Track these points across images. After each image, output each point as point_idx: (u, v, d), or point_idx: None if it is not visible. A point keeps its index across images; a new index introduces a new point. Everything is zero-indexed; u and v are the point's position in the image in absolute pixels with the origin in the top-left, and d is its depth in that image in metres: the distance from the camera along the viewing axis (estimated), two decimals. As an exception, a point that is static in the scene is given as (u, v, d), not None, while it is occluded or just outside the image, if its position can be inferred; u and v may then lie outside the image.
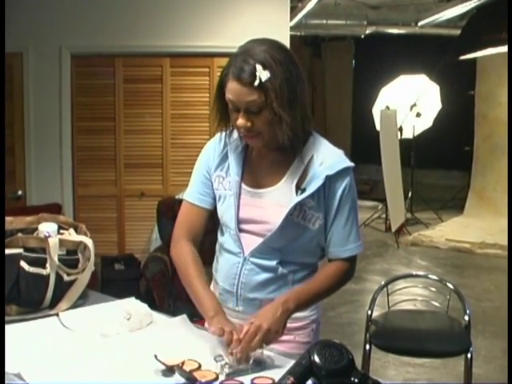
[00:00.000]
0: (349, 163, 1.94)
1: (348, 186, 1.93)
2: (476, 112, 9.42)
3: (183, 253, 2.06)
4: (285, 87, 1.79)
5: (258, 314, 1.83)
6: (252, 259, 1.97)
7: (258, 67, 1.76)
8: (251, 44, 1.85)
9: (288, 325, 1.88)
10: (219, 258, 2.10)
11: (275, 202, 1.93)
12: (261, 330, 1.76)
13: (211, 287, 2.13)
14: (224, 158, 2.03)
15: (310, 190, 1.89)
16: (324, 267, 2.02)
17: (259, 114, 1.81)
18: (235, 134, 2.01)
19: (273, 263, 1.96)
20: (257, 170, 2.00)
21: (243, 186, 1.99)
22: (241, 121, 1.84)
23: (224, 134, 2.03)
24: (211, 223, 2.11)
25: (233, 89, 1.81)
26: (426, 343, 3.20)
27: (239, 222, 1.98)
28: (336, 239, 1.98)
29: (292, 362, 1.57)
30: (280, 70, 1.78)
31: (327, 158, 1.92)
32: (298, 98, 1.83)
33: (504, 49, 6.71)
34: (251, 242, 1.96)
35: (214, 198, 2.06)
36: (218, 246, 2.12)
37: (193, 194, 2.09)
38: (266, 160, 1.99)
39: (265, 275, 1.96)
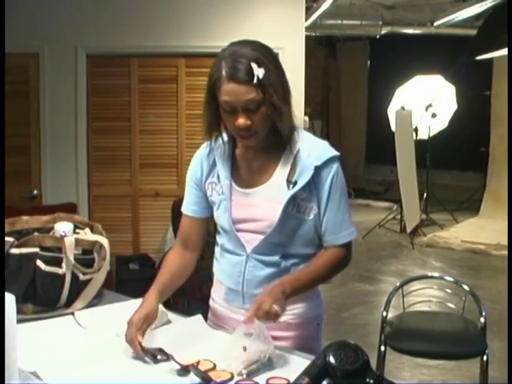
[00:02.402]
0: (334, 152, 1.99)
1: (336, 175, 1.97)
2: (492, 113, 9.36)
3: (168, 257, 2.19)
4: (278, 82, 1.87)
5: (259, 295, 1.86)
6: (255, 256, 2.00)
7: (254, 65, 1.81)
8: (234, 46, 1.88)
9: (293, 321, 1.98)
10: (220, 259, 2.13)
11: (268, 199, 1.97)
12: (262, 307, 1.79)
13: (213, 288, 2.19)
14: (213, 164, 2.08)
15: (301, 183, 1.93)
16: (320, 254, 2.05)
17: (257, 110, 1.85)
18: (220, 140, 2.04)
19: (275, 258, 1.99)
20: (246, 170, 2.04)
21: (235, 187, 2.03)
22: (241, 120, 1.86)
23: (210, 141, 2.06)
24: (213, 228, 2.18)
25: (229, 90, 1.83)
26: (441, 345, 3.18)
27: (235, 222, 2.01)
28: (330, 227, 2.00)
29: (307, 362, 1.57)
30: (271, 66, 1.85)
31: (313, 149, 1.97)
32: (289, 91, 1.91)
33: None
34: (251, 240, 2.00)
35: (209, 205, 2.11)
36: (217, 249, 2.15)
37: (187, 207, 2.17)
38: (254, 159, 2.02)
39: (268, 270, 1.99)
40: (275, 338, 1.87)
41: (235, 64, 1.81)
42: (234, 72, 1.81)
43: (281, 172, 1.97)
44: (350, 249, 2.06)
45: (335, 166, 1.97)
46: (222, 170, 2.03)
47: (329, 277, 2.04)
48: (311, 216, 1.97)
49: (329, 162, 1.96)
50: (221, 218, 2.06)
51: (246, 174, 2.04)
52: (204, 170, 2.09)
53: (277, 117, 1.87)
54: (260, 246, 1.98)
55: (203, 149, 2.12)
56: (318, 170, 1.94)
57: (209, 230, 2.20)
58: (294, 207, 1.95)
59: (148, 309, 1.96)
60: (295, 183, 1.93)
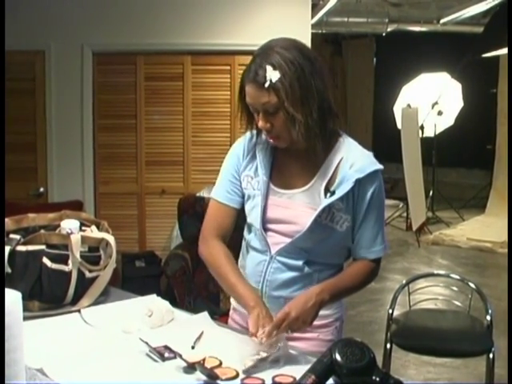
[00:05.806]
0: (378, 166, 1.95)
1: (377, 189, 1.94)
2: (498, 110, 9.34)
3: (215, 251, 2.04)
4: (296, 86, 1.78)
5: (290, 301, 1.85)
6: (279, 258, 1.98)
7: (268, 68, 1.78)
8: (266, 45, 1.86)
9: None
10: (245, 255, 2.11)
11: (304, 204, 1.94)
12: (288, 317, 1.78)
13: None
14: (253, 157, 2.03)
15: (339, 193, 1.89)
16: (353, 264, 2.03)
17: (276, 114, 1.82)
18: (263, 135, 2.00)
19: (299, 263, 1.97)
20: (286, 171, 2.00)
21: (272, 186, 1.99)
22: (260, 123, 1.86)
23: (254, 133, 2.03)
24: (239, 220, 2.12)
25: (249, 92, 1.84)
26: (447, 343, 3.18)
27: (266, 221, 1.98)
28: (364, 241, 1.98)
29: (314, 360, 1.57)
30: (291, 69, 1.78)
31: (357, 160, 1.92)
32: (313, 95, 1.82)
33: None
34: (278, 241, 1.97)
35: (243, 197, 2.06)
36: (244, 244, 2.13)
37: (221, 193, 2.08)
38: (295, 161, 1.99)
39: (290, 274, 1.97)
40: (291, 339, 1.86)
41: (256, 67, 1.81)
42: (253, 75, 1.81)
43: (320, 179, 1.93)
44: (380, 264, 2.05)
45: (377, 181, 1.94)
46: (261, 166, 1.98)
47: (359, 288, 2.02)
48: (343, 228, 1.93)
49: (372, 175, 1.91)
50: (252, 213, 2.02)
51: (284, 174, 2.00)
52: (243, 161, 2.05)
53: (290, 123, 1.82)
54: (285, 248, 1.96)
55: (245, 139, 2.07)
56: (360, 182, 1.90)
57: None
58: (328, 216, 1.91)
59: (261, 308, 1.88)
60: (333, 193, 1.89)
